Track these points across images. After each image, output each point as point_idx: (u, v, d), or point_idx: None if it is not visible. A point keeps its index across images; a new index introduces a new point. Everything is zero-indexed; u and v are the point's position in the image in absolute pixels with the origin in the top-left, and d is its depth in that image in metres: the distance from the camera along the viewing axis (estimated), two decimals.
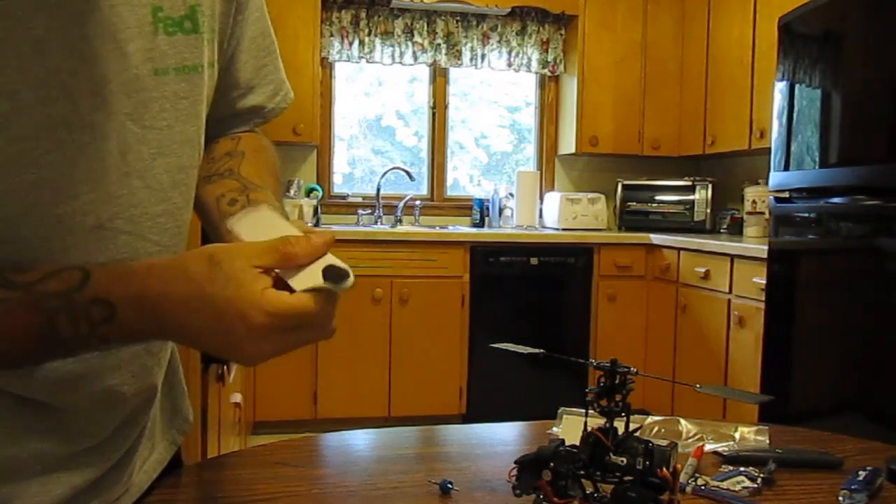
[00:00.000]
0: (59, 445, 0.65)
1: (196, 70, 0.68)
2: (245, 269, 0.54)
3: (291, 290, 0.56)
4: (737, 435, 0.98)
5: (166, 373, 0.80)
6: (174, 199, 0.69)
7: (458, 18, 4.06)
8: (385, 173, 4.06)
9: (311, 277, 0.57)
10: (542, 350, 0.71)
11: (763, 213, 3.42)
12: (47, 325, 0.54)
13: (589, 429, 0.63)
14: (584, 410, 0.64)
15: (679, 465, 0.62)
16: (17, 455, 0.63)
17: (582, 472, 0.63)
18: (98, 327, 0.55)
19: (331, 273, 0.56)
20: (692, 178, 4.08)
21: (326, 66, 4.01)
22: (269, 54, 0.85)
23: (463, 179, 4.42)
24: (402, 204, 4.05)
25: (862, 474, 0.82)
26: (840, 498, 0.78)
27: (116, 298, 0.55)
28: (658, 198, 4.11)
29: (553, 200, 4.14)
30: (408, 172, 4.02)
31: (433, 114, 4.22)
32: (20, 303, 0.54)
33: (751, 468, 0.86)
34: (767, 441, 0.97)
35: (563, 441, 0.64)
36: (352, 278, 0.56)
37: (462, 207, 4.23)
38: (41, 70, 0.56)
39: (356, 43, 3.92)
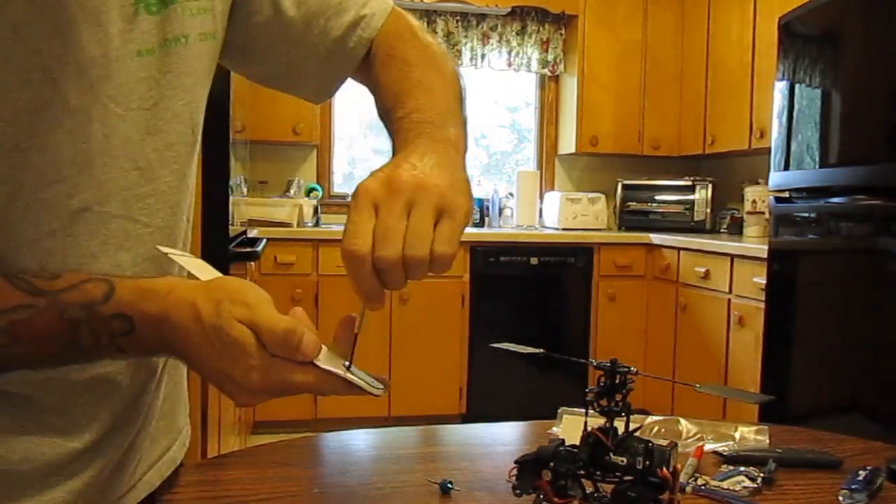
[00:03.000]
0: (55, 447, 0.64)
1: (178, 41, 0.66)
2: (248, 342, 0.55)
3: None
4: (737, 435, 0.98)
5: (167, 384, 0.79)
6: (164, 178, 0.67)
7: (458, 18, 4.06)
8: None
9: (333, 363, 0.57)
10: (542, 350, 0.71)
11: (763, 212, 3.42)
12: (69, 333, 0.56)
13: (589, 429, 0.63)
14: (584, 410, 0.64)
15: (679, 465, 0.62)
16: (8, 457, 0.61)
17: (582, 472, 0.63)
18: (117, 339, 0.57)
19: (364, 376, 0.58)
20: (692, 178, 4.08)
21: None
22: None
23: None
24: None
25: (862, 474, 0.82)
26: (840, 498, 0.78)
27: (137, 315, 0.57)
28: (658, 198, 4.11)
29: (553, 200, 4.14)
30: None
31: None
32: (45, 310, 0.55)
33: (751, 468, 0.86)
34: (767, 441, 0.97)
35: (563, 441, 0.64)
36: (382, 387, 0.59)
37: None
38: (20, 55, 0.55)
39: None
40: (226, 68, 0.81)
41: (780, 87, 2.62)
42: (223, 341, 0.54)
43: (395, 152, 0.65)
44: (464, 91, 0.78)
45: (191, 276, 0.62)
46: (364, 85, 0.83)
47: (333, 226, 3.73)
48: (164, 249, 0.63)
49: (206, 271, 0.62)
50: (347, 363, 0.59)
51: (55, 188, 0.59)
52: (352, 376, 0.57)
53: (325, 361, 0.57)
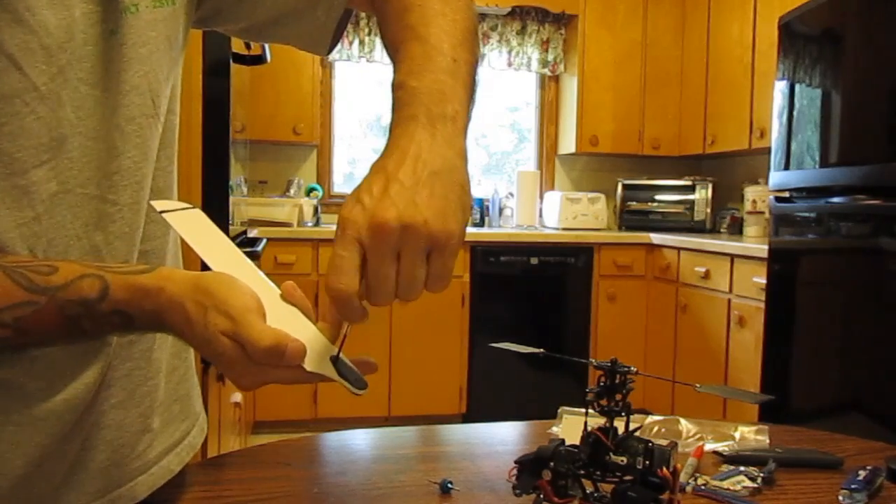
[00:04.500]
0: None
1: (129, 11, 0.65)
2: (235, 355, 0.56)
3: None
4: (737, 435, 0.98)
5: (178, 368, 0.79)
6: (128, 153, 0.67)
7: None
8: None
9: (319, 360, 0.60)
10: (542, 350, 0.71)
11: (763, 212, 3.42)
12: (73, 324, 0.59)
13: (589, 428, 0.63)
14: (584, 410, 0.64)
15: (679, 465, 0.62)
16: None
17: (582, 472, 0.63)
18: (118, 328, 0.61)
19: (349, 373, 0.61)
20: (692, 178, 4.09)
21: (326, 66, 4.01)
22: None
23: None
24: None
25: (862, 474, 0.82)
26: (840, 498, 0.78)
27: (135, 312, 0.59)
28: (658, 197, 4.11)
29: (553, 200, 4.14)
30: None
31: None
32: (46, 306, 0.57)
33: (751, 468, 0.86)
34: (767, 441, 0.97)
35: (563, 441, 0.64)
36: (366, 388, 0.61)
37: None
38: None
39: (356, 42, 3.91)
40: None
41: (780, 87, 2.62)
42: (212, 352, 0.57)
43: (391, 127, 0.64)
44: (474, 21, 0.72)
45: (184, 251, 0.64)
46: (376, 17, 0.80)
47: (334, 226, 3.72)
48: (159, 207, 0.65)
49: (195, 236, 0.64)
50: (335, 354, 0.61)
51: (34, 173, 0.60)
52: (337, 377, 0.60)
53: (312, 357, 0.59)
